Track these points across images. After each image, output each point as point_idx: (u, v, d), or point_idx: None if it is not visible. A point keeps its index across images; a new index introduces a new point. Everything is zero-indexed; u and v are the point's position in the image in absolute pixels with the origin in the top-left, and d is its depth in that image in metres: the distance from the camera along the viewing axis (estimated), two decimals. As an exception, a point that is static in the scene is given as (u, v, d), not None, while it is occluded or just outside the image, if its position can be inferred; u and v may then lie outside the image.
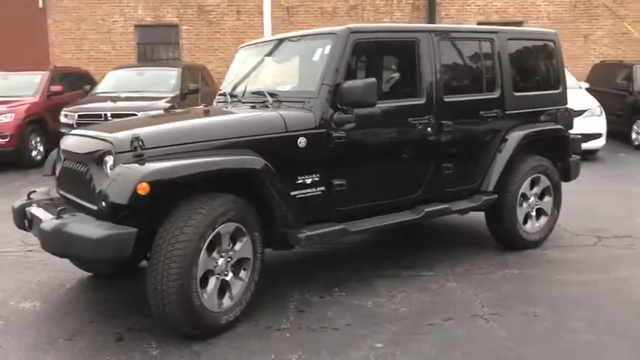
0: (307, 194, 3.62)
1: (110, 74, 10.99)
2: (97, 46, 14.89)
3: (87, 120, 8.56)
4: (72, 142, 3.67)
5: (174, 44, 15.08)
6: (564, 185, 4.99)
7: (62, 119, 9.35)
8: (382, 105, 3.92)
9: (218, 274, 3.21)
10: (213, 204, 3.10)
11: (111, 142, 3.16)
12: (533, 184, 4.78)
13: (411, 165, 4.09)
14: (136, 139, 3.06)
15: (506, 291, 3.87)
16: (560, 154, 5.05)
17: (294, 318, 3.46)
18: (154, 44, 15.25)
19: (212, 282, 3.18)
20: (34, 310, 3.67)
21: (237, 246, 3.31)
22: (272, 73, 4.18)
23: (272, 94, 3.93)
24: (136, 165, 2.96)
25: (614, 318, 3.42)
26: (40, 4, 14.86)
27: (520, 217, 4.69)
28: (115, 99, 9.58)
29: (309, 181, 3.62)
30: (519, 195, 4.63)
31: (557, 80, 5.04)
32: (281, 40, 4.39)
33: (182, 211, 3.03)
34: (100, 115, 8.94)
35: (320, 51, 3.83)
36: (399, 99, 4.07)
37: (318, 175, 3.65)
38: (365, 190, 3.88)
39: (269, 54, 4.38)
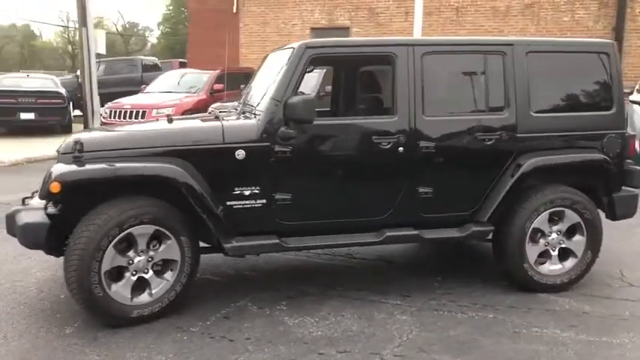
0: (246, 205, 3.70)
1: (261, 75, 11.90)
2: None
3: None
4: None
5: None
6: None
7: (207, 115, 10.46)
8: (340, 121, 3.82)
9: (135, 271, 3.50)
10: (123, 206, 3.39)
11: (61, 145, 3.66)
12: (556, 219, 4.14)
13: (376, 186, 3.88)
14: (76, 142, 3.49)
15: (451, 334, 3.47)
16: (604, 187, 4.27)
17: (210, 323, 3.59)
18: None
19: (126, 277, 3.49)
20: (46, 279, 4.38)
21: (161, 248, 3.56)
22: (260, 83, 4.27)
23: (250, 105, 4.08)
24: (62, 165, 3.40)
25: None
26: (234, 10, 16.63)
27: (531, 255, 4.10)
28: (254, 98, 10.39)
29: (247, 192, 3.69)
30: (530, 229, 4.05)
31: (609, 100, 4.24)
32: (282, 50, 4.45)
33: (95, 211, 3.39)
34: (233, 113, 9.80)
35: (281, 65, 3.86)
36: (364, 116, 3.89)
37: (258, 188, 3.70)
38: (315, 207, 3.81)
39: (269, 64, 4.47)
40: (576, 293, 4.17)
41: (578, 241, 4.19)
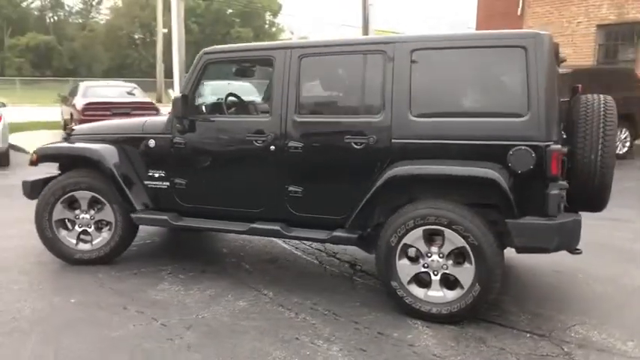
0: (156, 186, 4.51)
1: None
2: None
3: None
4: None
5: (636, 44, 13.37)
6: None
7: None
8: (220, 119, 4.27)
9: (80, 224, 4.71)
10: (70, 174, 4.63)
11: (70, 128, 5.14)
12: (440, 240, 3.62)
13: (249, 181, 4.15)
14: (68, 127, 4.93)
15: (239, 324, 3.58)
16: (500, 209, 3.49)
17: (120, 275, 4.49)
18: (614, 44, 13.94)
19: (75, 228, 4.72)
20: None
21: (102, 210, 4.68)
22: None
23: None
24: (55, 143, 4.88)
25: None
26: (519, 13, 15.95)
27: (404, 273, 3.70)
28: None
29: (157, 175, 4.49)
30: (399, 245, 3.66)
31: (521, 104, 3.42)
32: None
33: (57, 176, 4.72)
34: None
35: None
36: (244, 115, 4.16)
37: (163, 172, 4.46)
38: (202, 194, 4.34)
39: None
40: (476, 327, 3.57)
41: (466, 270, 3.55)
